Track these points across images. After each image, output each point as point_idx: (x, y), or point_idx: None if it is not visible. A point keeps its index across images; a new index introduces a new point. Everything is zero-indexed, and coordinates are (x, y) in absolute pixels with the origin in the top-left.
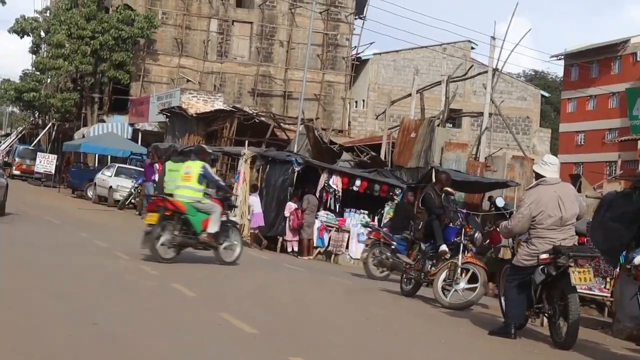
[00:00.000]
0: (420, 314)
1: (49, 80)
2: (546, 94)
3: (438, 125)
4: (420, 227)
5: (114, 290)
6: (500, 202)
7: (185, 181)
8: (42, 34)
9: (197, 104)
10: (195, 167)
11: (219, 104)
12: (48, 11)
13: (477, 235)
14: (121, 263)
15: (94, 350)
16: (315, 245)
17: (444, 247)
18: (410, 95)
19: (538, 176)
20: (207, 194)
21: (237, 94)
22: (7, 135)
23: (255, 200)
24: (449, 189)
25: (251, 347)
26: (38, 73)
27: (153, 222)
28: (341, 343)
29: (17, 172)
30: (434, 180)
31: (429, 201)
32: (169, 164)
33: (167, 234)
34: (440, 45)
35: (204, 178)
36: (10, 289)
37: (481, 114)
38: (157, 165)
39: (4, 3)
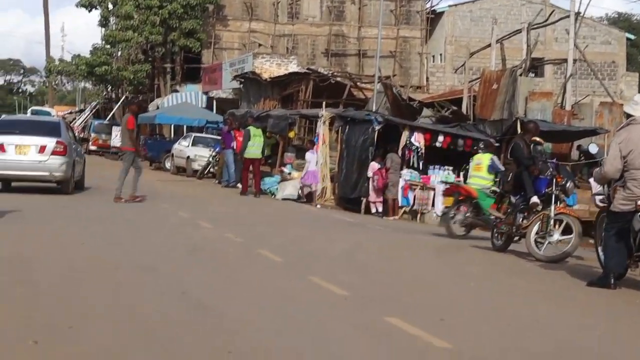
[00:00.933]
0: (514, 269)
1: (119, 53)
2: (631, 37)
3: (520, 75)
4: (509, 179)
5: (200, 259)
6: (593, 148)
7: (476, 171)
8: (110, 6)
9: (270, 68)
10: (484, 158)
11: (292, 67)
12: None
13: (570, 185)
14: (206, 232)
15: (186, 322)
16: (400, 204)
17: (535, 199)
18: (489, 46)
19: (628, 116)
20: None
21: (311, 56)
22: (82, 111)
23: (311, 157)
24: (537, 139)
25: (344, 310)
26: (108, 46)
27: (448, 205)
28: (436, 302)
29: (93, 148)
30: (518, 131)
31: (518, 152)
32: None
33: (460, 215)
34: None
35: (492, 168)
36: (98, 263)
37: (565, 60)
38: (234, 132)
39: None
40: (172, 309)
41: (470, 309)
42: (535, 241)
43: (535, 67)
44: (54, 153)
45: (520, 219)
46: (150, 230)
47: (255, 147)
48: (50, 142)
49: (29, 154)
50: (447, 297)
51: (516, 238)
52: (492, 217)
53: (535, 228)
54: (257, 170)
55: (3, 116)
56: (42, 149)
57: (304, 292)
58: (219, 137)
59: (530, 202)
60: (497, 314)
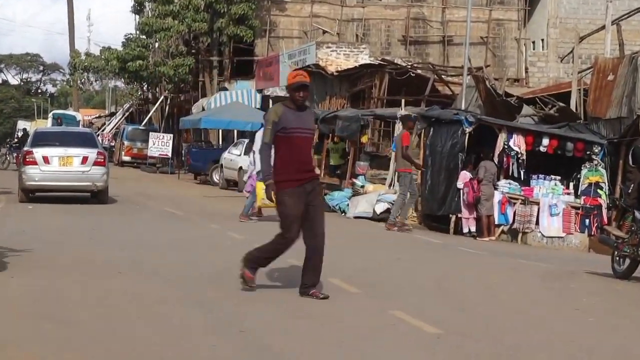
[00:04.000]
0: None
1: (157, 44)
2: None
3: None
4: (632, 190)
5: (258, 291)
6: None
7: None
8: None
9: (337, 60)
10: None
11: (364, 58)
12: None
13: None
14: None
15: None
16: (497, 222)
17: None
18: (603, 28)
19: None
20: None
21: (386, 44)
22: (112, 114)
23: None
24: None
25: (436, 352)
26: (144, 37)
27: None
28: (549, 341)
29: (127, 158)
30: None
31: None
32: None
33: None
34: None
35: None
36: (141, 297)
37: None
38: None
39: None
40: (228, 350)
41: (592, 350)
42: None
43: None
44: (95, 164)
45: None
46: (198, 255)
47: None
48: (91, 153)
49: (73, 164)
50: (563, 336)
51: None
52: (613, 236)
53: None
54: None
55: (37, 128)
56: (84, 160)
57: (386, 329)
58: None
59: None
60: (628, 356)
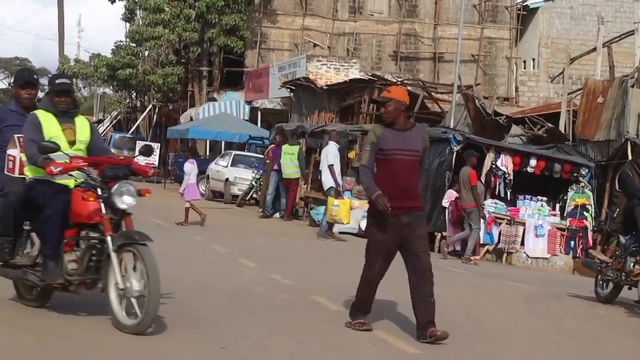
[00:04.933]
0: (625, 326)
1: (147, 53)
2: None
3: (632, 86)
4: (617, 215)
5: (241, 306)
6: None
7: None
8: None
9: (327, 74)
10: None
11: (354, 73)
12: None
13: None
14: (247, 272)
15: None
16: (482, 242)
17: None
18: (594, 50)
19: None
20: None
21: (376, 59)
22: (100, 121)
23: (191, 168)
24: None
25: None
26: (134, 45)
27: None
28: None
29: None
30: (629, 156)
31: (628, 182)
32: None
33: None
34: None
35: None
36: None
37: None
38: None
39: None
40: None
41: None
42: None
43: None
44: None
45: (632, 264)
46: (182, 267)
47: (288, 167)
48: None
49: None
50: None
51: (626, 287)
52: (597, 260)
53: None
54: (291, 190)
55: None
56: None
57: (367, 349)
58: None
59: None
60: None
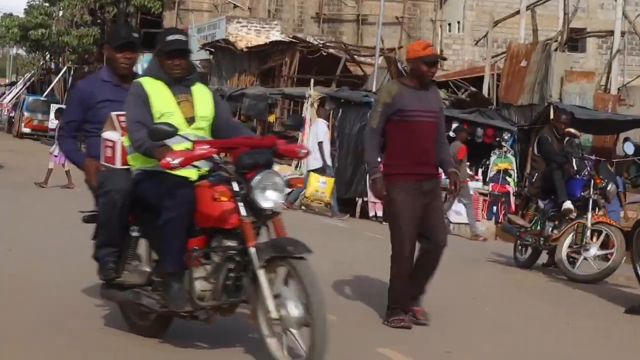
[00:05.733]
0: (541, 291)
1: (61, 13)
2: None
3: (556, 50)
4: (536, 179)
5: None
6: (629, 148)
7: None
8: None
9: (247, 36)
10: None
11: (275, 35)
12: None
13: (611, 187)
14: None
15: None
16: None
17: (568, 204)
18: (518, 13)
19: None
20: None
21: (298, 21)
22: (13, 84)
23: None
24: (572, 131)
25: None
26: (47, 4)
27: None
28: (443, 332)
29: (26, 130)
30: (552, 119)
31: (547, 147)
32: None
33: None
34: None
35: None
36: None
37: (611, 32)
38: None
39: None
40: None
41: (483, 341)
42: (568, 256)
43: (575, 40)
44: None
45: (550, 229)
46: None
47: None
48: None
49: None
50: (457, 326)
51: (544, 251)
52: (516, 225)
53: (568, 240)
54: None
55: None
56: None
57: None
58: None
59: (562, 208)
60: (516, 349)
